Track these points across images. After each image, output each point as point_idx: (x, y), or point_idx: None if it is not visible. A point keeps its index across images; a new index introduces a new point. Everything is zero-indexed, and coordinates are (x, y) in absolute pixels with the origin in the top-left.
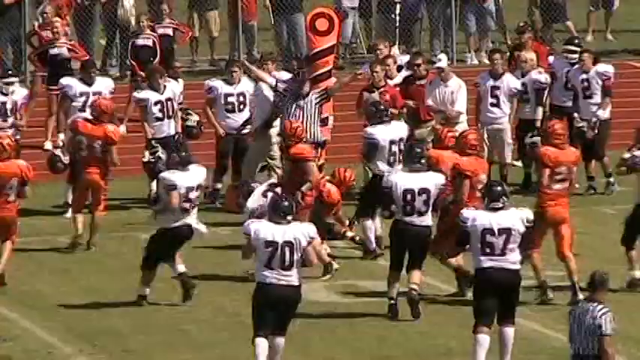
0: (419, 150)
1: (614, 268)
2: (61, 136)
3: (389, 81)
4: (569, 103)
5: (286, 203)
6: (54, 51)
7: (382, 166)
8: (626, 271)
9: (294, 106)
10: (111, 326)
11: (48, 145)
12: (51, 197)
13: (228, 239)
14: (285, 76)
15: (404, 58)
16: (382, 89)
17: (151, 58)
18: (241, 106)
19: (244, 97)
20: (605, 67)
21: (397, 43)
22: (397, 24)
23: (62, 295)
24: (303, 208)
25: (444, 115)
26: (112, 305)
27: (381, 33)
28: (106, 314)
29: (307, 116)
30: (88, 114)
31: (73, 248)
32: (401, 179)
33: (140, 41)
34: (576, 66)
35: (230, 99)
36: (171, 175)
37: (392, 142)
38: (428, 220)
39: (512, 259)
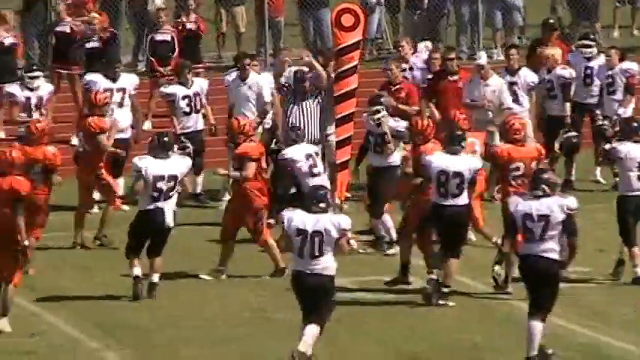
0: (460, 132)
1: None
2: None
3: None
4: (591, 100)
5: (321, 191)
6: (90, 45)
7: (397, 157)
8: None
9: (293, 104)
10: (135, 321)
11: (75, 141)
12: (76, 193)
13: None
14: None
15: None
16: (398, 86)
17: (170, 54)
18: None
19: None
20: (630, 65)
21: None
22: (428, 20)
23: (86, 290)
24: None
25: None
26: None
27: (408, 29)
28: (130, 309)
29: (307, 115)
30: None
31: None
32: (437, 160)
33: (159, 37)
34: (600, 62)
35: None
36: (139, 161)
37: None
38: (463, 199)
39: (549, 247)
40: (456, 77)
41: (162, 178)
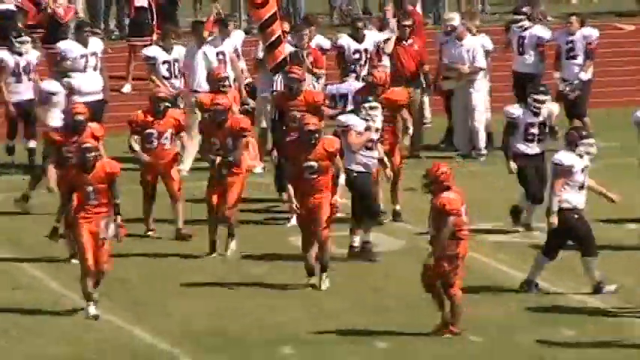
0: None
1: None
2: None
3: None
4: (526, 69)
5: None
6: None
7: None
8: None
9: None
10: (120, 276)
11: None
12: None
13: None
14: (239, 34)
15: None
16: (306, 51)
17: (147, 20)
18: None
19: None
20: (591, 31)
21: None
22: None
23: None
24: None
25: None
26: (121, 255)
27: None
28: (116, 265)
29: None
30: (88, 74)
31: None
32: None
33: (137, 2)
34: (534, 31)
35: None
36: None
37: None
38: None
39: None
40: (410, 41)
41: None
